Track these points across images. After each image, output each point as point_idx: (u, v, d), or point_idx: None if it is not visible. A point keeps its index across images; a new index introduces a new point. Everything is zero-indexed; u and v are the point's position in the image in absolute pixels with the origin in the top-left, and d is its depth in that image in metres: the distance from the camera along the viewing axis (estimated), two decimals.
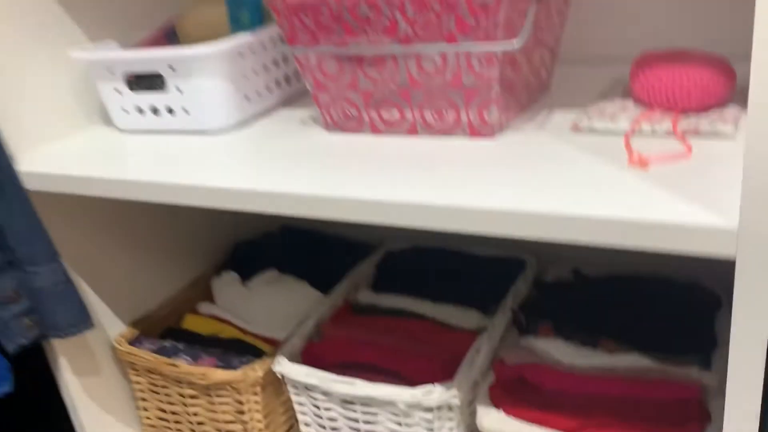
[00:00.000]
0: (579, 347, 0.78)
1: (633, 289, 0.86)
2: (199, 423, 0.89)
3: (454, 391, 0.72)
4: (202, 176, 0.66)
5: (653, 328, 0.79)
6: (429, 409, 0.73)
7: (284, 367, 0.81)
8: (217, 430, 0.88)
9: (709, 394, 0.69)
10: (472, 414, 0.78)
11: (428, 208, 0.55)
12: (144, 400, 0.95)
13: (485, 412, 0.72)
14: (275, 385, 0.87)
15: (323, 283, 1.02)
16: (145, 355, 0.89)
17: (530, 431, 0.70)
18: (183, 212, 1.05)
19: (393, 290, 0.97)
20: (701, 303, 0.83)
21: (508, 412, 0.72)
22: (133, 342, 0.93)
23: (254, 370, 0.83)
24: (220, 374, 0.83)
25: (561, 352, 0.77)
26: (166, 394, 0.91)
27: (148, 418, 0.96)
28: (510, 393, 0.74)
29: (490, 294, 0.92)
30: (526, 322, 0.83)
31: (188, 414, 0.89)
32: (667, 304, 0.83)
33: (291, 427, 0.92)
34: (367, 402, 0.77)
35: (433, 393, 0.72)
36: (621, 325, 0.81)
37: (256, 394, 0.84)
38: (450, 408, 0.73)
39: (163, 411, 0.93)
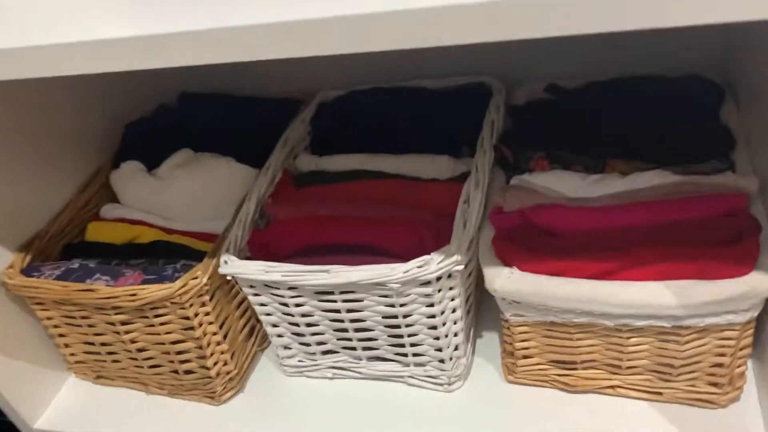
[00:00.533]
0: (584, 175, 0.65)
1: (622, 95, 0.73)
2: (140, 350, 0.73)
3: (454, 257, 0.58)
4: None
5: (661, 136, 0.67)
6: (427, 283, 0.60)
7: (234, 266, 0.64)
8: (165, 352, 0.72)
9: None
10: (471, 277, 0.66)
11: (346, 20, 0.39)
12: (62, 336, 0.76)
13: (495, 273, 0.60)
14: (224, 287, 0.71)
15: (248, 155, 0.83)
16: (47, 285, 0.70)
17: (555, 285, 0.58)
18: (50, 99, 0.81)
19: (338, 149, 0.80)
20: (702, 97, 0.71)
21: (522, 267, 0.59)
22: (27, 271, 0.73)
23: (195, 278, 0.66)
24: (154, 291, 0.65)
25: (565, 184, 0.64)
26: (90, 325, 0.73)
27: (72, 354, 0.78)
28: (518, 245, 0.61)
29: (457, 133, 0.77)
30: (514, 156, 0.69)
31: (123, 342, 0.72)
32: (667, 104, 0.70)
33: (253, 328, 0.77)
34: (348, 289, 0.62)
35: (431, 264, 0.58)
36: (623, 140, 0.68)
37: (204, 305, 0.68)
38: (450, 275, 0.60)
39: (91, 344, 0.75)
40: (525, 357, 0.66)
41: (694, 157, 0.64)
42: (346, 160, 0.78)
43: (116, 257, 0.76)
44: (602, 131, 0.70)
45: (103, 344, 0.74)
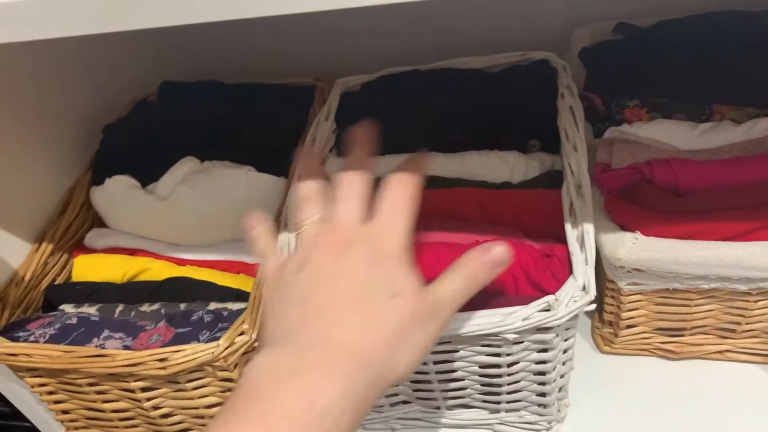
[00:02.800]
0: (693, 124, 0.57)
1: (706, 34, 0.64)
2: (165, 416, 0.59)
3: (586, 295, 0.47)
4: None
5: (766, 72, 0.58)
6: (548, 329, 0.48)
7: None
8: (197, 416, 0.59)
9: None
10: None
11: None
12: (58, 402, 0.62)
13: (617, 240, 0.52)
14: None
15: (259, 159, 0.69)
16: (43, 351, 0.55)
17: (691, 250, 0.50)
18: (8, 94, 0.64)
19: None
20: None
21: (646, 232, 0.52)
22: (10, 331, 0.58)
23: (242, 333, 0.52)
24: (191, 356, 0.52)
25: (674, 135, 0.57)
26: (98, 392, 0.58)
27: (73, 421, 0.64)
28: (637, 206, 0.53)
29: (520, 123, 0.64)
30: (605, 106, 0.59)
31: (143, 409, 0.58)
32: (760, 42, 0.61)
33: None
34: (444, 340, 0.50)
35: (558, 307, 0.47)
36: (725, 83, 0.60)
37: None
38: (574, 317, 0.49)
39: (98, 411, 0.61)
40: (629, 326, 0.60)
41: None
42: (390, 162, 0.64)
43: (119, 301, 0.61)
44: (699, 74, 0.61)
45: (115, 411, 0.60)
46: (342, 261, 0.41)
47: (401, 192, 0.44)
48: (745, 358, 0.60)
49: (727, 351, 0.60)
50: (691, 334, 0.59)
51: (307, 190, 0.46)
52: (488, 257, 0.41)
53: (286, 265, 0.43)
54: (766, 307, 0.55)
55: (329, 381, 0.36)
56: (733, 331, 0.58)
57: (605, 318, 0.61)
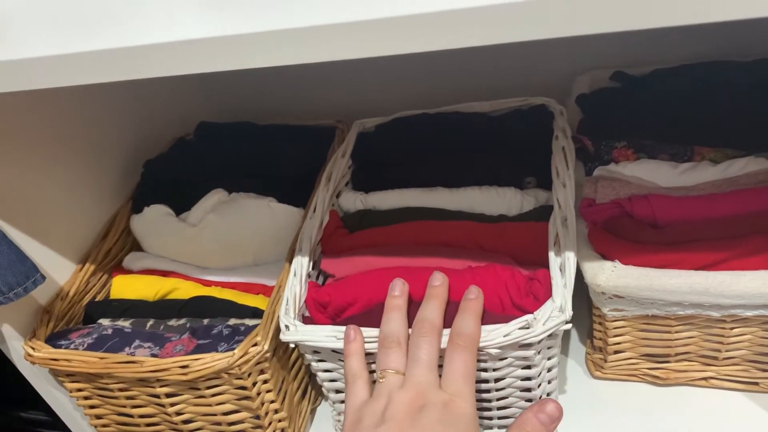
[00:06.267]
0: (674, 164, 0.62)
1: (695, 81, 0.69)
2: (186, 422, 0.65)
3: (562, 314, 0.52)
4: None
5: (746, 121, 0.63)
6: (528, 345, 0.53)
7: (299, 333, 0.57)
8: (215, 423, 0.65)
9: None
10: None
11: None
12: (93, 407, 0.68)
13: (598, 268, 0.56)
14: (281, 350, 0.63)
15: (282, 192, 0.76)
16: (81, 357, 0.62)
17: (665, 277, 0.54)
18: (61, 141, 0.73)
19: (383, 184, 0.72)
20: None
21: (625, 261, 0.56)
22: (53, 340, 0.65)
23: (255, 344, 0.58)
24: (209, 363, 0.58)
25: (656, 173, 0.62)
26: (128, 397, 0.65)
27: (105, 426, 0.70)
28: (617, 238, 0.58)
29: (518, 161, 0.70)
30: (595, 146, 0.64)
31: (167, 414, 0.64)
32: (745, 88, 0.66)
33: (307, 386, 0.70)
34: None
35: (536, 325, 0.52)
36: (707, 126, 0.64)
37: (262, 372, 0.60)
38: (552, 335, 0.53)
39: (127, 416, 0.67)
40: (616, 352, 0.63)
41: None
42: (398, 196, 0.71)
43: (151, 316, 0.68)
44: (684, 118, 0.65)
45: (142, 416, 0.67)
46: (420, 419, 0.47)
47: (467, 358, 0.50)
48: (729, 386, 0.63)
49: (711, 378, 0.63)
50: (676, 361, 0.63)
51: (393, 337, 0.53)
52: (544, 414, 0.47)
53: (366, 411, 0.49)
54: (743, 335, 0.58)
55: None
56: (715, 358, 0.61)
57: (595, 344, 0.65)
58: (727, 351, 0.60)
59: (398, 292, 0.56)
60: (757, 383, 0.62)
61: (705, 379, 0.63)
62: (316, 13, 0.37)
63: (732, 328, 0.58)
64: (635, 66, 0.76)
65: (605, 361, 0.65)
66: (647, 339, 0.61)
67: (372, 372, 0.55)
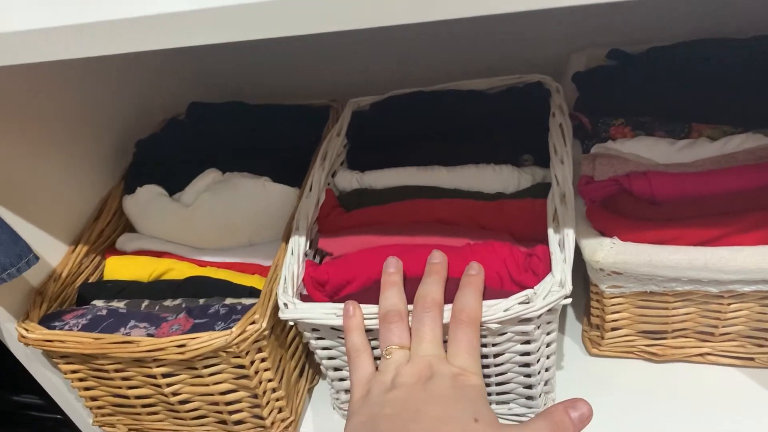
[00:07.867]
0: (672, 141, 0.62)
1: (692, 59, 0.69)
2: (183, 402, 0.65)
3: (562, 289, 0.52)
4: None
5: (744, 98, 0.64)
6: (527, 320, 0.53)
7: (298, 311, 0.56)
8: (212, 403, 0.64)
9: None
10: None
11: None
12: (88, 389, 0.68)
13: (596, 244, 0.56)
14: (278, 328, 0.63)
15: (277, 172, 0.75)
16: (76, 338, 0.61)
17: (664, 253, 0.54)
18: (50, 119, 0.72)
19: (378, 162, 0.72)
20: None
21: (623, 237, 0.56)
22: (47, 321, 0.64)
23: (253, 323, 0.58)
24: (207, 341, 0.57)
25: (654, 150, 0.62)
26: (124, 378, 0.64)
27: (99, 408, 0.70)
28: (616, 214, 0.58)
29: (515, 139, 0.70)
30: (593, 124, 0.65)
31: (164, 395, 0.64)
32: (741, 66, 0.66)
33: (304, 366, 0.70)
34: None
35: (536, 300, 0.51)
36: (705, 104, 0.65)
37: (260, 350, 0.60)
38: (551, 310, 0.53)
39: (123, 398, 0.67)
40: (614, 329, 0.64)
41: None
42: (395, 174, 0.70)
43: (145, 297, 0.68)
44: (681, 95, 0.66)
45: (138, 397, 0.66)
46: (431, 386, 0.47)
47: (470, 333, 0.50)
48: (726, 362, 0.63)
49: (708, 354, 0.63)
50: (673, 337, 0.63)
51: (394, 311, 0.52)
52: (576, 413, 0.46)
53: (374, 383, 0.49)
54: (740, 310, 0.59)
55: None
56: (712, 334, 0.62)
57: (592, 321, 0.65)
58: (723, 327, 0.60)
59: (393, 268, 0.56)
60: (753, 359, 0.62)
61: (701, 355, 0.64)
62: None
63: (729, 304, 0.58)
64: (631, 44, 0.76)
65: (602, 338, 0.65)
66: (644, 316, 0.62)
67: (375, 349, 0.55)
